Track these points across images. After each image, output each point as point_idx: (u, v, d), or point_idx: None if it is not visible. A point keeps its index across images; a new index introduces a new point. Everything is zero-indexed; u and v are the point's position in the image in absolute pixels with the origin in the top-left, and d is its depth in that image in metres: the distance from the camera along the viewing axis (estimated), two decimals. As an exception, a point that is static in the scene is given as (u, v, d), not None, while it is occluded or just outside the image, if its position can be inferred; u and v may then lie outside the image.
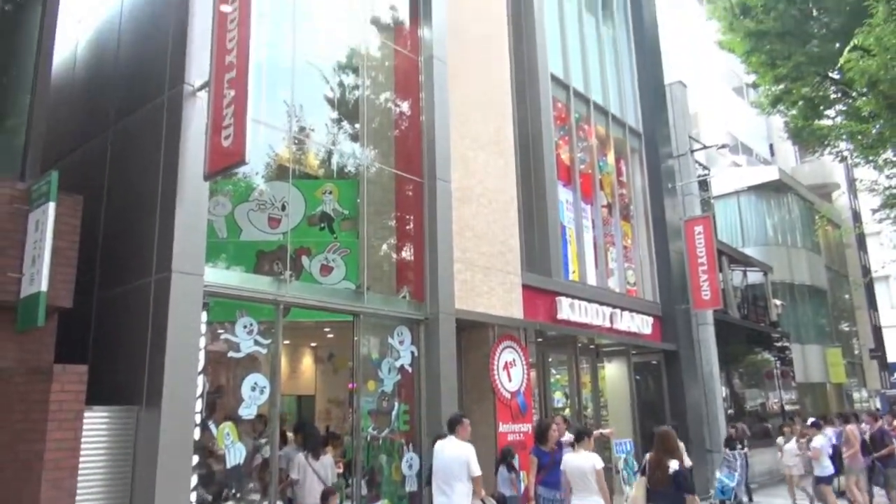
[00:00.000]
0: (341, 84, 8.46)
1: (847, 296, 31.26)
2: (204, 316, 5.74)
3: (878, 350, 34.49)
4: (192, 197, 5.63)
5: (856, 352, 31.58)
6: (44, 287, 4.89)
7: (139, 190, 5.99)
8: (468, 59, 9.77)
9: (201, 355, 5.64)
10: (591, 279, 12.42)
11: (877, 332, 35.06)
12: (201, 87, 5.78)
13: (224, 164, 5.36)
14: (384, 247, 8.45)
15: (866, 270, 33.59)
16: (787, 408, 19.32)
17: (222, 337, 6.17)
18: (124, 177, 6.39)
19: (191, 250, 5.54)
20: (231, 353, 6.21)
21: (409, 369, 8.05)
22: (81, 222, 5.55)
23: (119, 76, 6.93)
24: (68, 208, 5.38)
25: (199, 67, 5.88)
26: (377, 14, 8.88)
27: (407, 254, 8.56)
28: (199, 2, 6.06)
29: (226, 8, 5.81)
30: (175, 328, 5.29)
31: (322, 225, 7.68)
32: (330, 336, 10.57)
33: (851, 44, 11.18)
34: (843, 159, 22.77)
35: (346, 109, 8.31)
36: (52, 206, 4.96)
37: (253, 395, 6.22)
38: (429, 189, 8.46)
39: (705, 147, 17.06)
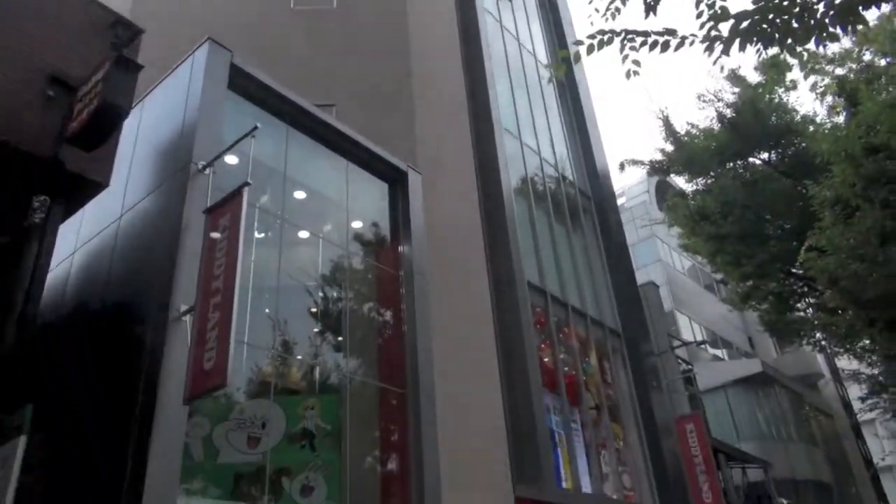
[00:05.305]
0: (325, 297, 8.68)
1: (854, 489, 29.86)
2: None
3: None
4: (169, 424, 5.48)
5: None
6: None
7: (115, 418, 5.83)
8: (447, 273, 10.17)
9: None
10: (586, 485, 11.84)
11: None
12: (186, 312, 5.89)
13: (205, 386, 5.30)
14: (368, 461, 8.11)
15: (868, 461, 32.43)
16: None
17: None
18: (100, 405, 6.24)
19: (164, 482, 5.27)
20: None
21: None
22: (51, 455, 5.31)
23: (107, 303, 7.06)
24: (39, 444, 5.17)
25: (185, 293, 6.03)
26: (359, 231, 9.38)
27: (393, 467, 8.19)
28: (191, 229, 6.39)
29: (215, 235, 6.13)
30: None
31: (303, 443, 7.42)
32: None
33: (806, 244, 11.91)
34: (822, 349, 23.16)
35: (330, 321, 8.45)
36: (22, 440, 4.77)
37: None
38: (413, 401, 8.33)
39: (685, 344, 17.32)
